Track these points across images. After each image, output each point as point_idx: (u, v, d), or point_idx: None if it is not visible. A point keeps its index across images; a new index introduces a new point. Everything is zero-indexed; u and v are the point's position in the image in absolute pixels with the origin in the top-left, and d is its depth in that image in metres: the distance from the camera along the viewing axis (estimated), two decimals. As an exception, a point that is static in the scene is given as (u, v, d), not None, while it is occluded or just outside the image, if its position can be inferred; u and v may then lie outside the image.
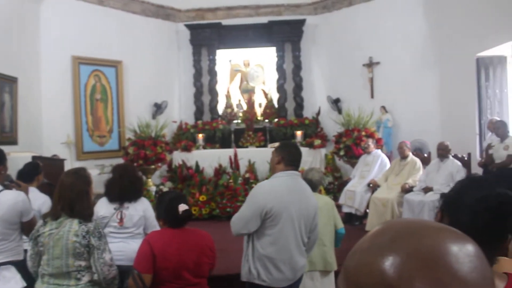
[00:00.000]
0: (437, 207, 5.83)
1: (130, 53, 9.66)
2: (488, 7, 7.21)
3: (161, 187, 8.55)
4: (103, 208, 3.61)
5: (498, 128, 6.25)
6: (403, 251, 0.63)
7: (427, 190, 6.29)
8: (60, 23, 8.61)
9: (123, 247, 3.47)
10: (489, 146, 6.58)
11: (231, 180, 8.28)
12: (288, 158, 3.15)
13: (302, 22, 10.33)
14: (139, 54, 9.85)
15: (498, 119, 6.63)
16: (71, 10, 8.73)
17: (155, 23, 10.29)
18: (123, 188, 3.61)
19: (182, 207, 2.92)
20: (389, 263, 0.63)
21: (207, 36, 10.36)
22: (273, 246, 3.01)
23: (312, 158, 9.01)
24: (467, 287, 0.61)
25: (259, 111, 10.45)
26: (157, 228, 3.51)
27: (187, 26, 10.43)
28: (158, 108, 10.15)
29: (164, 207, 2.97)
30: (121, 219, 3.56)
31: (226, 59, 10.83)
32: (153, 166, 8.69)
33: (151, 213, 3.68)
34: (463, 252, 0.64)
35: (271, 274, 3.01)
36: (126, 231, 3.59)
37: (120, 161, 8.20)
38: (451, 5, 8.30)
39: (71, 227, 2.75)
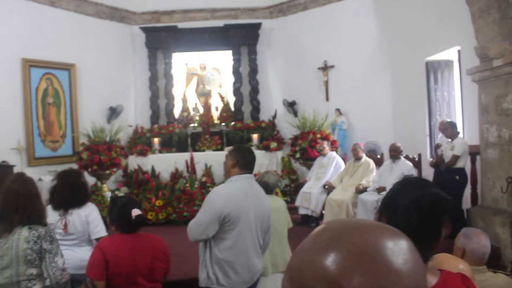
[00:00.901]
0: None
1: (83, 56, 9.43)
2: (436, 13, 7.47)
3: (117, 192, 8.41)
4: (48, 215, 3.53)
5: (446, 129, 6.47)
6: (343, 248, 0.67)
7: (380, 190, 6.45)
8: (8, 24, 8.29)
9: (69, 255, 3.38)
10: (437, 146, 6.82)
11: (187, 184, 8.23)
12: (243, 162, 3.17)
13: (258, 25, 10.41)
14: (93, 57, 9.63)
15: (449, 120, 6.87)
16: (19, 10, 8.44)
17: (109, 25, 10.12)
18: (66, 195, 3.54)
19: (135, 212, 2.90)
20: (330, 260, 0.66)
21: (163, 39, 10.28)
22: (231, 249, 3.02)
23: (268, 161, 9.09)
24: (401, 277, 0.66)
25: (215, 114, 10.45)
26: (100, 234, 3.48)
27: (143, 29, 10.32)
28: (113, 112, 9.98)
29: (117, 212, 2.94)
30: (65, 226, 3.49)
31: (182, 62, 10.79)
32: (108, 171, 8.53)
33: (93, 218, 3.62)
34: (398, 246, 0.69)
35: (229, 278, 3.01)
36: (71, 237, 3.52)
37: (74, 166, 8.02)
38: (401, 10, 8.56)
39: (21, 234, 2.68)
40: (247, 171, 3.19)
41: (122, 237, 2.86)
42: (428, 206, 1.43)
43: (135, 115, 10.63)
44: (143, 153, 9.25)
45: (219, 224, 2.99)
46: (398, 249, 0.69)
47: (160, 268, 2.93)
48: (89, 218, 3.60)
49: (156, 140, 9.68)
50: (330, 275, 0.65)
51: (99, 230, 3.57)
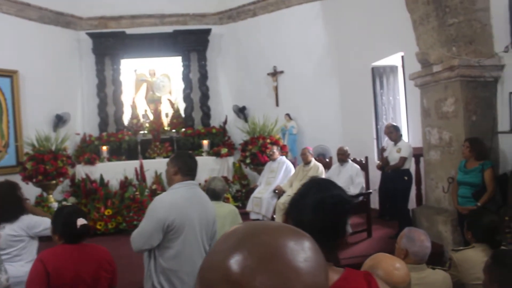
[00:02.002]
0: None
1: (27, 62, 9.08)
2: (381, 21, 7.71)
3: (64, 202, 8.16)
4: None
5: (391, 132, 6.67)
6: (245, 249, 0.70)
7: (328, 193, 6.53)
8: None
9: None
10: (383, 149, 7.02)
11: (137, 192, 8.10)
12: (185, 169, 3.13)
13: (207, 31, 10.39)
14: (38, 63, 9.30)
15: (394, 124, 7.08)
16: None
17: (54, 30, 9.83)
18: None
19: (81, 221, 2.83)
20: (233, 261, 0.69)
21: (111, 45, 10.09)
22: (177, 258, 2.98)
23: (219, 167, 9.08)
24: (300, 275, 0.69)
25: (166, 121, 10.35)
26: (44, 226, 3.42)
27: (89, 34, 10.09)
28: (60, 120, 9.67)
29: (62, 221, 2.86)
30: None
31: (131, 68, 10.62)
32: (54, 181, 8.27)
33: (35, 221, 3.55)
34: (299, 246, 0.72)
35: (175, 287, 2.98)
36: (2, 253, 3.39)
37: (18, 177, 7.74)
38: (348, 17, 8.79)
39: None
40: (189, 177, 3.15)
41: (65, 248, 2.79)
42: (330, 207, 1.47)
43: (83, 123, 10.37)
44: (91, 162, 9.04)
45: (163, 233, 2.94)
46: (299, 248, 0.71)
47: (105, 279, 2.87)
48: (30, 226, 3.51)
49: (104, 148, 9.48)
50: (232, 276, 0.68)
51: (42, 223, 3.49)
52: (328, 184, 1.59)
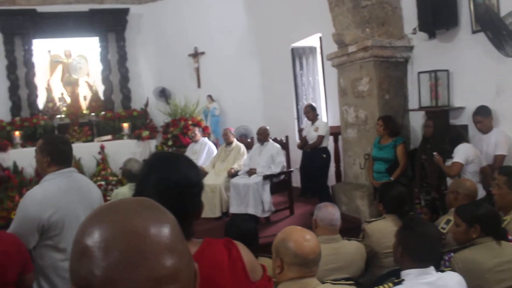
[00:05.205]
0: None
1: None
2: (300, 1, 7.82)
3: (-27, 192, 7.69)
4: None
5: (308, 112, 6.83)
6: (99, 224, 0.72)
7: (251, 173, 6.62)
8: None
9: None
10: (301, 130, 7.19)
11: (55, 179, 7.77)
12: (58, 157, 2.80)
13: (125, 11, 10.03)
14: None
15: (312, 104, 7.25)
16: None
17: (-47, 7, 9.09)
18: None
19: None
20: (88, 235, 0.71)
21: (20, 24, 9.45)
22: (58, 255, 2.72)
23: (141, 149, 8.88)
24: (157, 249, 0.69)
25: (84, 104, 9.94)
26: None
27: (-4, 12, 9.42)
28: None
29: None
30: None
31: (44, 49, 10.04)
32: (-39, 170, 7.76)
33: None
34: (154, 221, 0.73)
35: (55, 285, 2.73)
36: None
37: None
38: (268, -3, 8.83)
39: None
40: (66, 165, 2.83)
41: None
42: (175, 193, 1.37)
43: (-7, 107, 9.72)
44: (2, 148, 8.53)
45: (39, 234, 2.66)
46: (156, 224, 0.73)
47: (13, 271, 2.66)
48: None
49: (17, 133, 8.97)
50: (85, 250, 0.70)
51: None
52: (173, 162, 1.47)
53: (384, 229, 3.42)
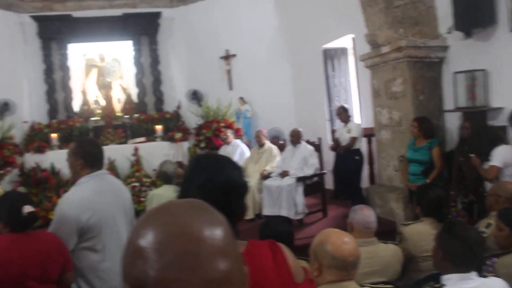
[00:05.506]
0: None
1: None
2: (331, 2, 7.75)
3: (13, 193, 7.90)
4: None
5: (341, 113, 6.79)
6: (152, 225, 0.73)
7: (284, 175, 6.62)
8: None
9: None
10: (334, 131, 7.13)
11: (90, 180, 7.91)
12: (91, 160, 2.88)
13: (157, 15, 10.18)
14: (-22, 49, 8.88)
15: (344, 105, 7.20)
16: None
17: (-6, 14, 9.37)
18: None
19: (27, 208, 2.70)
20: (142, 236, 0.71)
21: (57, 29, 9.71)
22: (95, 257, 2.79)
23: (174, 152, 8.96)
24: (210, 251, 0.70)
25: (118, 106, 10.12)
26: None
27: (34, 17, 9.66)
28: (4, 108, 9.27)
29: (7, 207, 2.67)
30: None
31: (80, 53, 10.28)
32: (1, 171, 7.98)
33: None
34: (208, 223, 0.74)
35: (94, 286, 2.79)
36: None
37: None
38: (299, -1, 8.81)
39: None
40: (97, 168, 2.90)
41: (10, 237, 2.65)
42: (220, 195, 1.37)
43: (31, 111, 9.94)
44: (40, 150, 8.74)
45: (78, 236, 2.73)
46: (209, 225, 0.74)
47: (55, 269, 2.74)
48: None
49: (54, 135, 9.19)
50: (140, 251, 0.72)
51: None
52: (215, 164, 1.47)
53: (422, 232, 3.36)
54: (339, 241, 2.15)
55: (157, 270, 0.67)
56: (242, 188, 1.46)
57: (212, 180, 1.40)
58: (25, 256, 2.60)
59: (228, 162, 1.52)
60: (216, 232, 0.72)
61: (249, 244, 1.42)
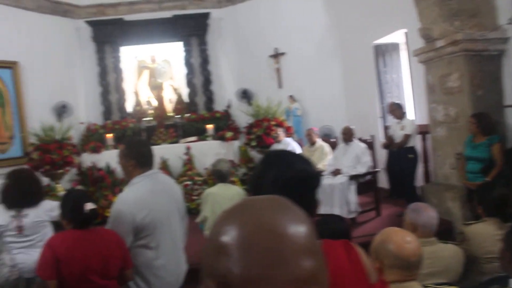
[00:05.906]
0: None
1: (27, 53, 8.98)
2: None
3: (71, 191, 8.19)
4: None
5: (394, 110, 6.63)
6: (236, 221, 0.72)
7: (336, 173, 6.53)
8: None
9: (23, 259, 3.25)
10: (387, 128, 6.98)
11: (144, 179, 8.09)
12: (142, 160, 2.92)
13: (206, 15, 10.30)
14: (38, 54, 9.20)
15: (397, 101, 7.03)
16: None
17: (52, 20, 9.72)
18: (19, 194, 3.41)
19: (89, 206, 2.79)
20: (224, 233, 0.71)
21: (109, 33, 10.02)
22: (150, 255, 2.86)
23: (225, 151, 9.03)
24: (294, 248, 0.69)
25: (169, 107, 10.31)
26: None
27: (88, 22, 10.01)
28: (63, 110, 9.65)
29: (70, 205, 2.80)
30: (19, 228, 3.36)
31: (131, 55, 10.55)
32: (61, 171, 8.29)
33: (53, 206, 3.52)
34: (290, 218, 0.72)
35: (150, 283, 2.86)
36: (26, 239, 3.38)
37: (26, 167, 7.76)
38: (348, -5, 8.68)
39: None
40: (149, 167, 2.94)
41: (74, 233, 2.76)
42: (295, 185, 1.34)
43: (87, 112, 10.30)
44: (96, 150, 9.03)
45: (133, 235, 2.80)
46: (292, 220, 0.72)
47: (115, 265, 2.82)
48: (51, 209, 3.50)
49: (109, 136, 9.47)
50: (224, 247, 0.71)
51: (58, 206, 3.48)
52: (286, 158, 1.46)
53: (485, 233, 3.23)
54: (401, 240, 2.09)
55: (241, 267, 0.66)
56: (315, 180, 1.43)
57: (285, 174, 1.38)
58: (88, 252, 2.69)
59: (298, 156, 1.51)
60: (300, 229, 0.70)
61: (324, 243, 1.39)
